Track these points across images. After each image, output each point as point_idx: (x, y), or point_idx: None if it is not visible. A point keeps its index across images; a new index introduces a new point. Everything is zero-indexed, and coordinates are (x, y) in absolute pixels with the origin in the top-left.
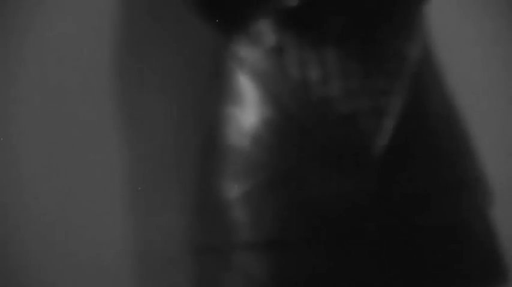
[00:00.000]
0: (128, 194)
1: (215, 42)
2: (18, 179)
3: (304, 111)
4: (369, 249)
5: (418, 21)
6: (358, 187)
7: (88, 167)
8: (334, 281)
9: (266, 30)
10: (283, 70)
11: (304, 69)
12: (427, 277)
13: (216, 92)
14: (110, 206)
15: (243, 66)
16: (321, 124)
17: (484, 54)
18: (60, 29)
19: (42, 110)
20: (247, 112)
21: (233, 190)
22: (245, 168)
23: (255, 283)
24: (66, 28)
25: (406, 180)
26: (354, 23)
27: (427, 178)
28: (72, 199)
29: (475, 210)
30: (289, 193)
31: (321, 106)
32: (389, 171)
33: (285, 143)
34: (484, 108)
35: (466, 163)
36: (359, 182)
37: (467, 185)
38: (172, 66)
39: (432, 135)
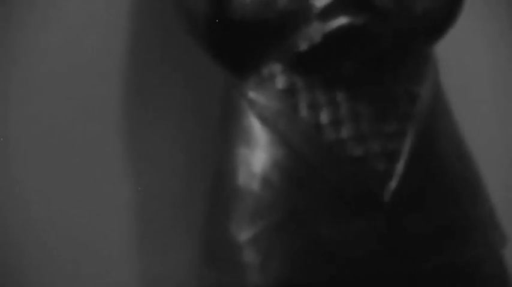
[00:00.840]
0: (135, 233)
1: (226, 83)
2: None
3: (315, 154)
4: None
5: (429, 62)
6: (369, 229)
7: (94, 204)
8: None
9: (277, 72)
10: (294, 112)
11: (316, 111)
12: None
13: (226, 132)
14: (116, 244)
15: (254, 108)
16: (332, 166)
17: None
18: (66, 68)
19: (49, 150)
20: (258, 154)
21: (243, 231)
22: (255, 210)
23: None
24: (73, 67)
25: (418, 221)
26: (365, 65)
27: (438, 218)
28: (76, 238)
29: (487, 248)
30: (299, 236)
31: (332, 148)
32: (400, 213)
33: (296, 185)
34: (492, 144)
35: (477, 202)
36: (370, 225)
37: (479, 224)
38: (182, 106)
39: (443, 175)
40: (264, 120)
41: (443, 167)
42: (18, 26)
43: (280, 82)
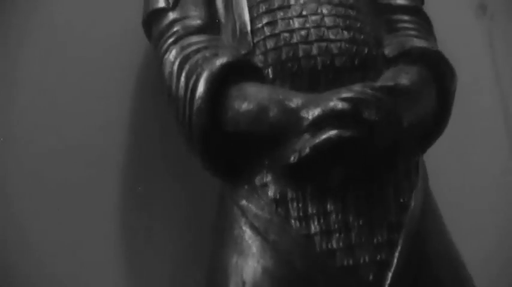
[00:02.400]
0: None
1: (220, 190)
2: None
3: (305, 263)
4: None
5: (419, 168)
6: None
7: None
8: None
9: (269, 181)
10: (285, 222)
11: (306, 221)
12: None
13: (219, 240)
14: None
15: (246, 216)
16: (322, 276)
17: None
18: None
19: None
20: (249, 262)
21: None
22: None
23: None
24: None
25: None
26: (354, 175)
27: None
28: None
29: None
30: None
31: (322, 258)
32: None
33: None
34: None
35: None
36: None
37: None
38: (176, 216)
39: (434, 279)
40: (256, 229)
41: (433, 270)
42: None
43: (272, 191)
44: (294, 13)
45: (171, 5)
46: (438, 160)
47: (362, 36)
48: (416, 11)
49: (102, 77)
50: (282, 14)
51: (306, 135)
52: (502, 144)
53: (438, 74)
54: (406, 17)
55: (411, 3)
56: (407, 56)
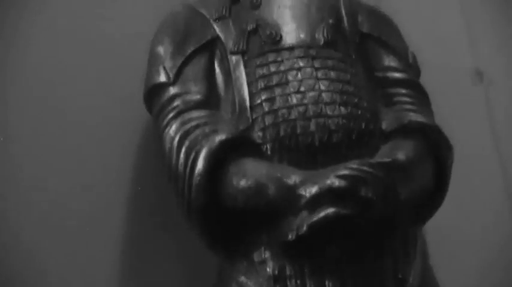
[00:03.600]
0: None
1: (218, 265)
2: None
3: None
4: None
5: (417, 241)
6: None
7: None
8: None
9: (267, 258)
10: None
11: None
12: None
13: None
14: None
15: None
16: None
17: None
18: None
19: None
20: None
21: None
22: None
23: None
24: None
25: None
26: (351, 251)
27: None
28: None
29: None
30: None
31: None
32: None
33: None
34: None
35: None
36: None
37: None
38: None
39: None
40: None
41: None
42: None
43: (270, 268)
44: (292, 89)
45: (171, 80)
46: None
47: (359, 112)
48: (413, 85)
49: (103, 148)
50: (280, 90)
51: (304, 213)
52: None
53: (435, 148)
54: (403, 91)
55: (408, 77)
56: (404, 131)
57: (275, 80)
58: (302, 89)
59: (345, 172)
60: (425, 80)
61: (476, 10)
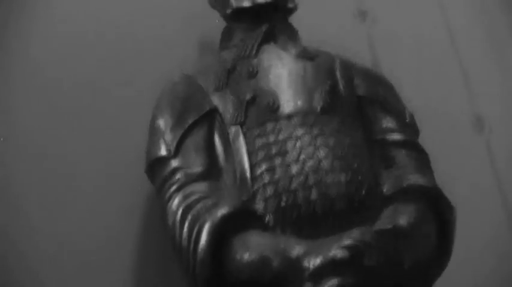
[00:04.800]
0: None
1: None
2: None
3: None
4: None
5: None
6: None
7: None
8: None
9: None
10: None
11: None
12: None
13: None
14: None
15: None
16: None
17: None
18: None
19: None
20: None
21: None
22: None
23: None
24: None
25: None
26: None
27: None
28: None
29: None
30: None
31: None
32: None
33: None
34: None
35: None
36: None
37: None
38: None
39: None
40: None
41: None
42: None
43: None
44: (292, 159)
45: (172, 153)
46: None
47: (359, 177)
48: (412, 145)
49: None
50: (280, 160)
51: (308, 285)
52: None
53: (437, 210)
54: (402, 152)
55: (406, 137)
56: (405, 194)
57: (274, 149)
58: (302, 157)
59: (347, 242)
60: (426, 130)
61: (476, 58)
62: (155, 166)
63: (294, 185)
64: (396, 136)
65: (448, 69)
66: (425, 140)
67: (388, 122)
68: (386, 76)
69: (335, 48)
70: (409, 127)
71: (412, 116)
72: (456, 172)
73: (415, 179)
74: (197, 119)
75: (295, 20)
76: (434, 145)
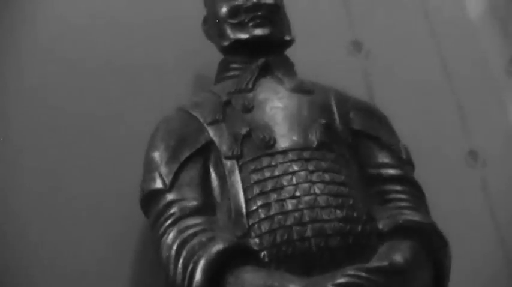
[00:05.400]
0: None
1: None
2: None
3: None
4: None
5: None
6: None
7: None
8: None
9: None
10: None
11: None
12: None
13: None
14: None
15: None
16: None
17: None
18: None
19: None
20: None
21: None
22: None
23: None
24: None
25: None
26: None
27: None
28: None
29: None
30: None
31: None
32: None
33: None
34: None
35: None
36: None
37: None
38: None
39: None
40: None
41: None
42: None
43: None
44: (287, 195)
45: (168, 186)
46: None
47: (355, 214)
48: (407, 180)
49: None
50: (275, 195)
51: None
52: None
53: (432, 247)
54: (397, 187)
55: (401, 173)
56: (400, 230)
57: (270, 185)
58: (297, 193)
59: (342, 280)
60: (421, 163)
61: (470, 92)
62: (150, 199)
63: (289, 221)
64: (391, 171)
65: (442, 103)
66: (419, 173)
67: (383, 157)
68: (381, 110)
69: (331, 79)
70: (405, 162)
71: (407, 151)
72: (450, 206)
73: (410, 215)
74: (193, 153)
75: (291, 52)
76: (429, 178)
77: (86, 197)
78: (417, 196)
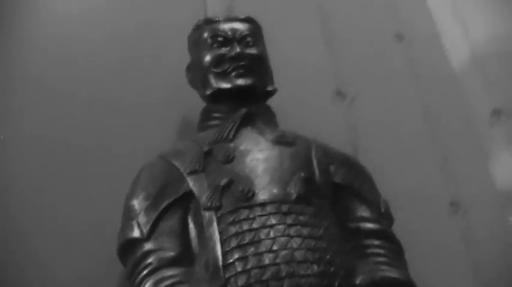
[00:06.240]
0: None
1: None
2: None
3: None
4: None
5: None
6: None
7: None
8: None
9: None
10: None
11: None
12: None
13: None
14: None
15: None
16: None
17: None
18: None
19: None
20: None
21: None
22: None
23: None
24: None
25: None
26: None
27: None
28: None
29: None
30: None
31: None
32: None
33: None
34: None
35: None
36: None
37: None
38: None
39: None
40: None
41: None
42: None
43: None
44: (265, 248)
45: (145, 236)
46: None
47: (332, 269)
48: (386, 235)
49: None
50: (253, 249)
51: None
52: None
53: None
54: (376, 242)
55: (380, 227)
56: (378, 286)
57: (248, 238)
58: (275, 247)
59: None
60: (402, 211)
61: (453, 142)
62: (127, 247)
63: (266, 275)
64: (370, 225)
65: (425, 153)
66: (401, 223)
67: (363, 211)
68: (362, 161)
69: (315, 128)
70: (384, 217)
71: (387, 205)
72: (432, 255)
73: (388, 271)
74: (172, 202)
75: (275, 100)
76: (411, 228)
77: (68, 235)
78: (395, 251)
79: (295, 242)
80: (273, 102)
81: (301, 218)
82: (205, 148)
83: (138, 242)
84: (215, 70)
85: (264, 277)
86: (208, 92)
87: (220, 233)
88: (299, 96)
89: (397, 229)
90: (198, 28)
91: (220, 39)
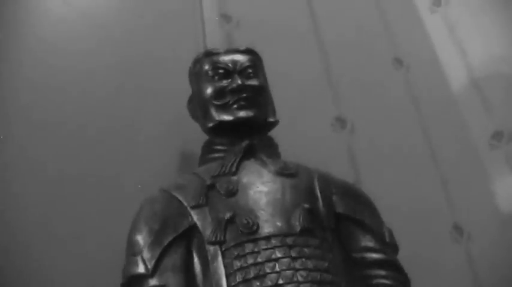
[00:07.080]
0: None
1: None
2: None
3: None
4: None
5: None
6: None
7: None
8: None
9: None
10: None
11: None
12: None
13: None
14: None
15: None
16: None
17: None
18: None
19: None
20: None
21: None
22: None
23: None
24: None
25: None
26: None
27: None
28: None
29: None
30: None
31: None
32: None
33: None
34: None
35: None
36: None
37: None
38: None
39: None
40: None
41: None
42: None
43: None
44: (270, 283)
45: (150, 272)
46: None
47: None
48: (390, 265)
49: None
50: (258, 283)
51: None
52: None
53: None
54: (381, 272)
55: (386, 257)
56: None
57: (253, 272)
58: (280, 281)
59: None
60: (406, 239)
61: (455, 166)
62: (132, 283)
63: None
64: (375, 255)
65: (426, 178)
66: (405, 249)
67: (367, 241)
68: (364, 186)
69: (316, 156)
70: (389, 246)
71: (391, 234)
72: (436, 281)
73: None
74: (175, 237)
75: (276, 129)
76: (414, 254)
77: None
78: (400, 280)
79: (301, 275)
80: (274, 131)
81: (306, 250)
82: (208, 182)
83: (143, 277)
84: (216, 103)
85: None
86: (210, 125)
87: (225, 267)
88: (299, 124)
89: (400, 254)
90: (199, 61)
91: (221, 71)
